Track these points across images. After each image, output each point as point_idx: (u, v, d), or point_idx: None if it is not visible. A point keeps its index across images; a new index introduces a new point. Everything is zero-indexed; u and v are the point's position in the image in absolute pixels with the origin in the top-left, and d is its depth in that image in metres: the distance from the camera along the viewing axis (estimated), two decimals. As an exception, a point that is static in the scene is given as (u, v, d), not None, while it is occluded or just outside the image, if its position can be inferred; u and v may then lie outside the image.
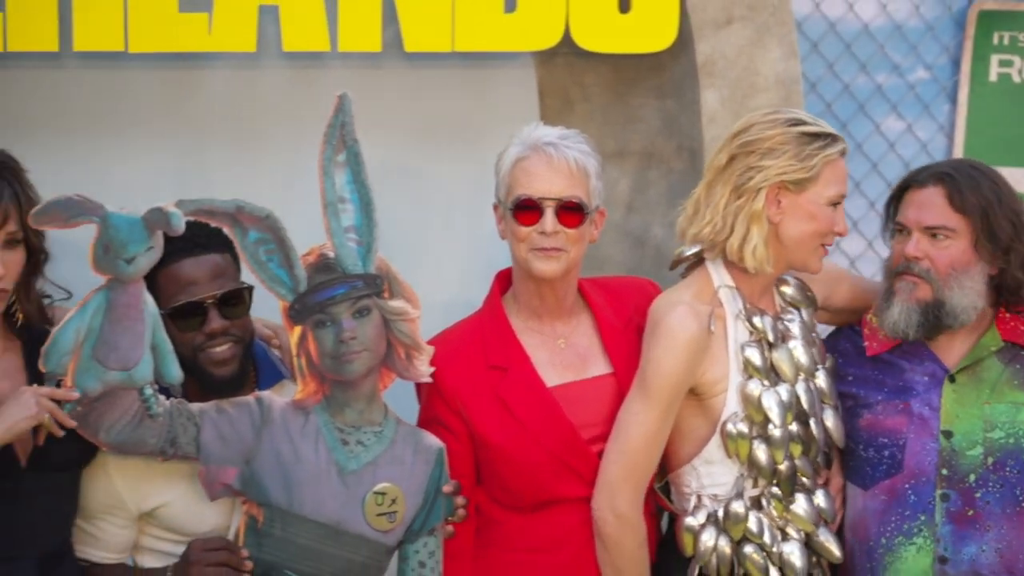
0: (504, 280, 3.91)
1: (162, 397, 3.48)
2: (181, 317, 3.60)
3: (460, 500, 3.72)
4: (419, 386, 3.83)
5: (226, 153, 4.77)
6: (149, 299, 3.42)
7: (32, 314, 3.62)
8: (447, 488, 3.67)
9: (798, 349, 3.83)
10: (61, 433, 3.40)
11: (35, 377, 3.52)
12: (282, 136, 4.74)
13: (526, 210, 3.71)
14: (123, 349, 3.38)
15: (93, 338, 3.38)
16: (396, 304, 3.57)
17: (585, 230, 3.76)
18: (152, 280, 3.49)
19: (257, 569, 3.54)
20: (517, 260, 3.78)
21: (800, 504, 3.83)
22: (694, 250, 3.86)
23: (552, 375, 3.82)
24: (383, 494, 3.58)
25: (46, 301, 3.71)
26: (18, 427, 3.41)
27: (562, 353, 3.85)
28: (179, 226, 3.29)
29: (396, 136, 4.72)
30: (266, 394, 3.62)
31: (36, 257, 3.58)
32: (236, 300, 3.65)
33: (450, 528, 3.72)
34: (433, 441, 3.68)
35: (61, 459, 3.56)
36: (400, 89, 4.83)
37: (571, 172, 3.72)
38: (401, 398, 3.80)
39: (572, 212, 3.71)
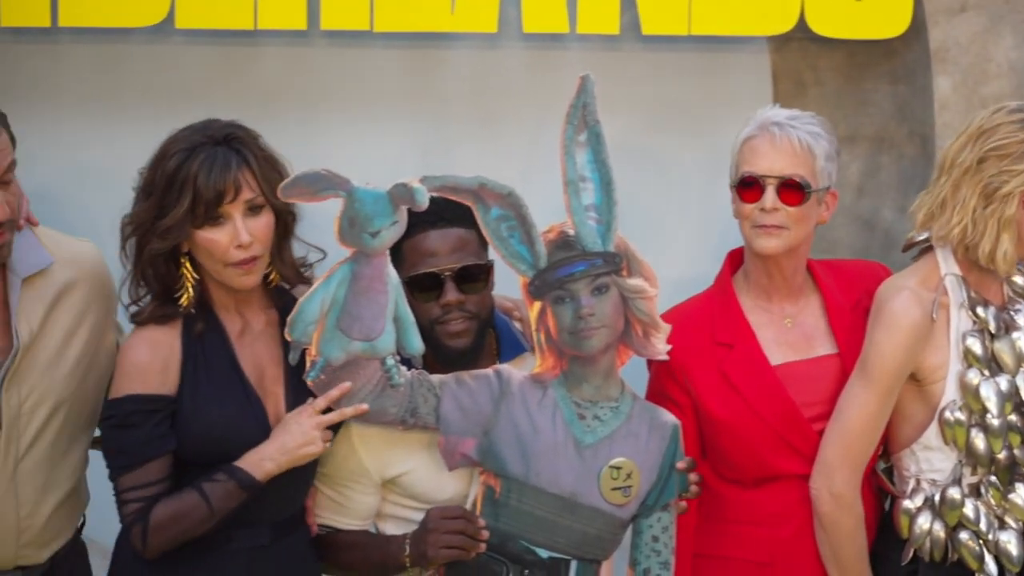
0: (736, 259, 3.95)
1: (403, 368, 3.54)
2: (419, 287, 3.66)
3: (693, 477, 3.74)
4: (649, 361, 3.86)
5: (468, 131, 4.85)
6: (392, 272, 3.49)
7: (289, 276, 3.68)
8: (681, 464, 3.69)
9: (1022, 340, 3.79)
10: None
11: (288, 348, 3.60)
12: (522, 116, 4.81)
13: (748, 187, 3.75)
14: (366, 320, 3.46)
15: (337, 309, 3.46)
16: (634, 282, 3.60)
17: (809, 209, 3.77)
18: (397, 250, 3.55)
19: (493, 538, 3.59)
20: (744, 238, 3.82)
21: (1019, 494, 3.79)
22: (924, 235, 3.83)
23: (777, 354, 3.84)
24: (619, 468, 3.61)
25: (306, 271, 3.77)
26: (300, 458, 3.54)
27: (788, 332, 3.87)
28: (423, 202, 3.35)
29: (631, 117, 4.76)
30: (505, 367, 3.67)
31: (284, 219, 3.63)
32: (474, 275, 3.69)
33: (683, 504, 3.75)
34: (669, 418, 3.71)
35: None
36: (636, 72, 4.87)
37: (794, 151, 3.73)
38: (634, 375, 3.83)
39: (793, 190, 3.73)
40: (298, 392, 3.60)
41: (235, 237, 3.52)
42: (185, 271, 3.60)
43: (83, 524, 3.87)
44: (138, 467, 3.54)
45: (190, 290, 3.61)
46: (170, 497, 3.54)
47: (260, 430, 3.58)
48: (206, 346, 3.61)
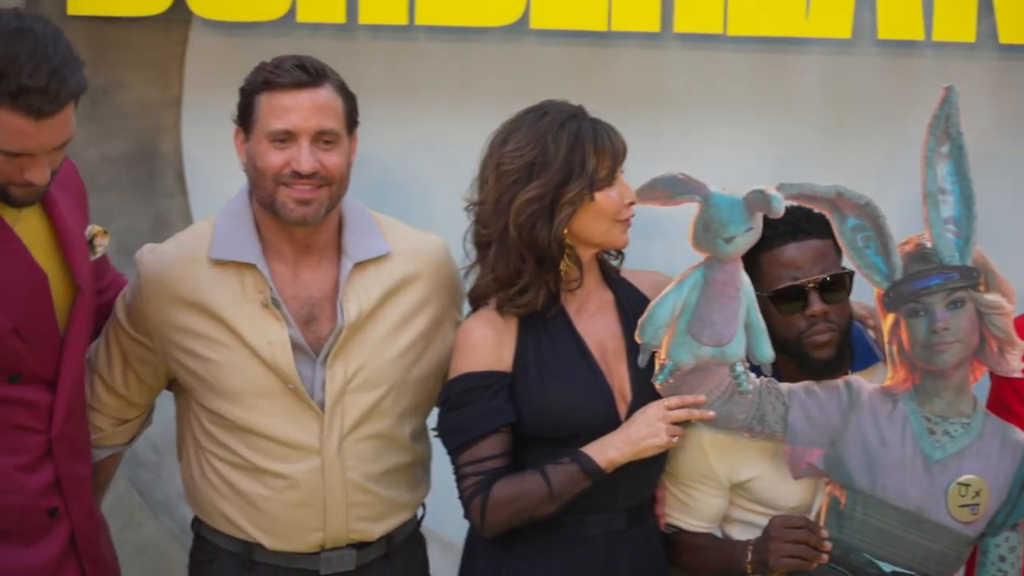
0: None
1: (752, 375, 3.54)
2: (783, 300, 3.64)
3: None
4: (994, 376, 3.77)
5: (821, 138, 4.80)
6: (745, 279, 3.48)
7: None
8: None
9: None
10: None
11: (629, 327, 3.61)
12: (876, 123, 4.74)
13: None
14: (717, 325, 3.46)
15: (689, 313, 3.47)
16: (991, 297, 3.53)
17: None
18: (754, 262, 3.55)
19: (835, 550, 3.55)
20: None
21: None
22: None
23: None
24: (967, 485, 3.54)
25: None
26: (644, 450, 3.54)
27: None
28: (779, 209, 3.34)
29: (988, 127, 4.66)
30: (855, 378, 3.63)
31: None
32: (837, 285, 3.65)
33: None
34: (1021, 437, 3.62)
35: None
36: (991, 80, 4.75)
37: None
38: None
39: None
40: (638, 369, 3.62)
41: (626, 196, 3.56)
42: (569, 250, 3.60)
43: (423, 515, 3.94)
44: (474, 443, 3.58)
45: (571, 265, 3.61)
46: (512, 476, 3.57)
47: (607, 403, 3.60)
48: (547, 322, 3.64)
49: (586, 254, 3.63)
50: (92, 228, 3.66)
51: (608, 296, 3.71)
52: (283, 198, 3.56)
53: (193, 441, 3.78)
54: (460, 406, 3.59)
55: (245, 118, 3.64)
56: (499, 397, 3.58)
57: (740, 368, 3.50)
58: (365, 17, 4.66)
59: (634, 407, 3.60)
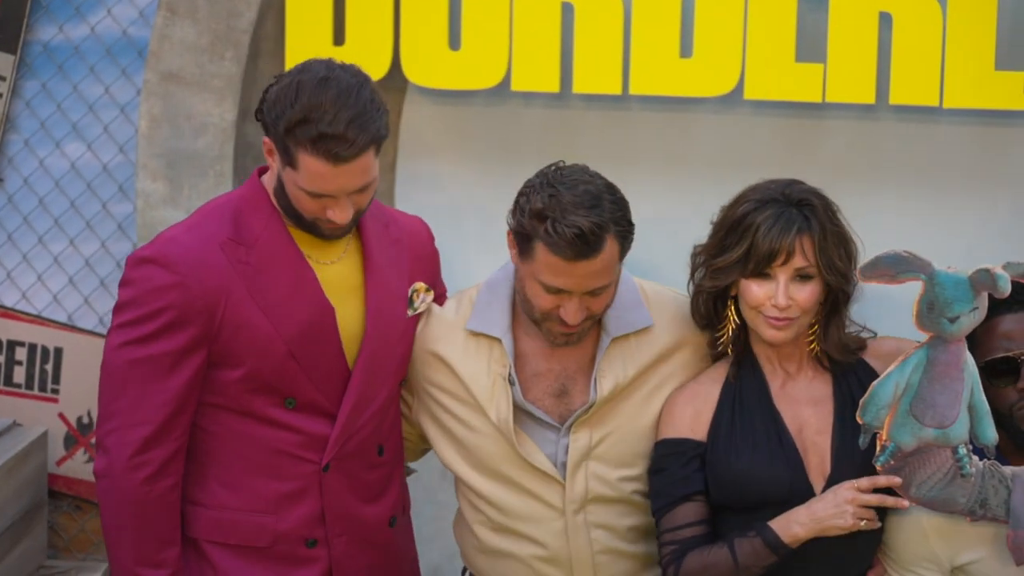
0: None
1: (975, 457, 3.48)
2: (995, 372, 3.60)
3: None
4: None
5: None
6: (970, 359, 3.44)
7: (831, 352, 3.69)
8: None
9: None
10: (877, 525, 3.55)
11: (843, 403, 3.63)
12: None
13: None
14: (940, 407, 3.42)
15: (911, 394, 3.43)
16: None
17: None
18: (971, 333, 3.50)
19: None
20: None
21: None
22: None
23: None
24: None
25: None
26: (828, 529, 3.53)
27: None
28: (1006, 289, 3.30)
29: None
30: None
31: (835, 296, 3.65)
32: None
33: None
34: None
35: None
36: None
37: None
38: None
39: None
40: (844, 447, 3.60)
41: (773, 296, 3.57)
42: (730, 312, 3.69)
43: None
44: (670, 509, 3.65)
45: (729, 332, 3.71)
46: (703, 548, 3.61)
47: (796, 478, 3.61)
48: (744, 392, 3.69)
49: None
50: (417, 285, 3.86)
51: (821, 371, 3.72)
52: (549, 327, 3.68)
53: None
54: (659, 471, 3.69)
55: (520, 241, 3.66)
56: (691, 465, 3.65)
57: (963, 451, 3.45)
58: (579, 86, 4.69)
59: (832, 482, 3.60)
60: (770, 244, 3.55)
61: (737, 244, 3.59)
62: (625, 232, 3.62)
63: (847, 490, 3.53)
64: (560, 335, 3.68)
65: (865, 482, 3.52)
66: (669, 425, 3.71)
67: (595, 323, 3.73)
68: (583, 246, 3.51)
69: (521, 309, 3.75)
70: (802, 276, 3.58)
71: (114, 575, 3.67)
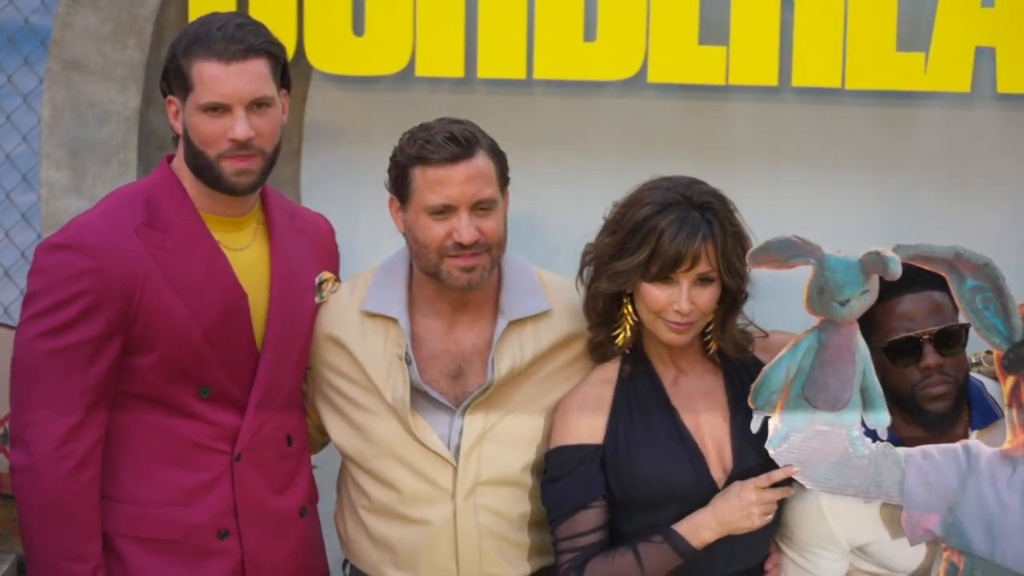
0: None
1: (868, 439, 3.50)
2: (898, 353, 3.61)
3: None
4: None
5: (936, 195, 4.76)
6: (861, 342, 3.45)
7: (728, 349, 3.71)
8: None
9: None
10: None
11: (735, 397, 3.66)
12: (995, 180, 4.69)
13: None
14: (832, 390, 3.43)
15: (803, 378, 3.44)
16: None
17: None
18: (868, 314, 3.50)
19: (955, 615, 3.52)
20: None
21: None
22: None
23: None
24: None
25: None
26: (736, 529, 3.57)
27: None
28: (896, 271, 3.30)
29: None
30: (973, 442, 3.58)
31: (733, 295, 3.67)
32: (953, 338, 3.62)
33: None
34: None
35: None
36: None
37: None
38: None
39: None
40: (742, 438, 3.63)
41: (676, 302, 3.57)
42: (626, 312, 3.70)
43: None
44: (569, 516, 3.65)
45: (627, 331, 3.71)
46: (606, 555, 3.63)
47: (699, 474, 3.63)
48: (638, 390, 3.70)
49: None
50: (325, 274, 3.90)
51: (712, 366, 3.75)
52: (447, 268, 3.67)
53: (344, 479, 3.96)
54: (556, 480, 3.68)
55: (399, 188, 3.71)
56: (591, 470, 3.66)
57: (856, 433, 3.46)
58: (484, 71, 4.68)
59: (734, 476, 3.62)
60: (676, 250, 3.55)
61: (639, 248, 3.58)
62: (498, 154, 3.70)
63: (750, 491, 3.56)
64: (460, 272, 3.67)
65: (763, 479, 3.55)
66: (564, 432, 3.70)
67: (494, 265, 3.74)
68: (456, 147, 3.60)
69: (419, 269, 3.76)
70: (703, 279, 3.60)
71: (36, 570, 3.65)
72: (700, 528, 3.57)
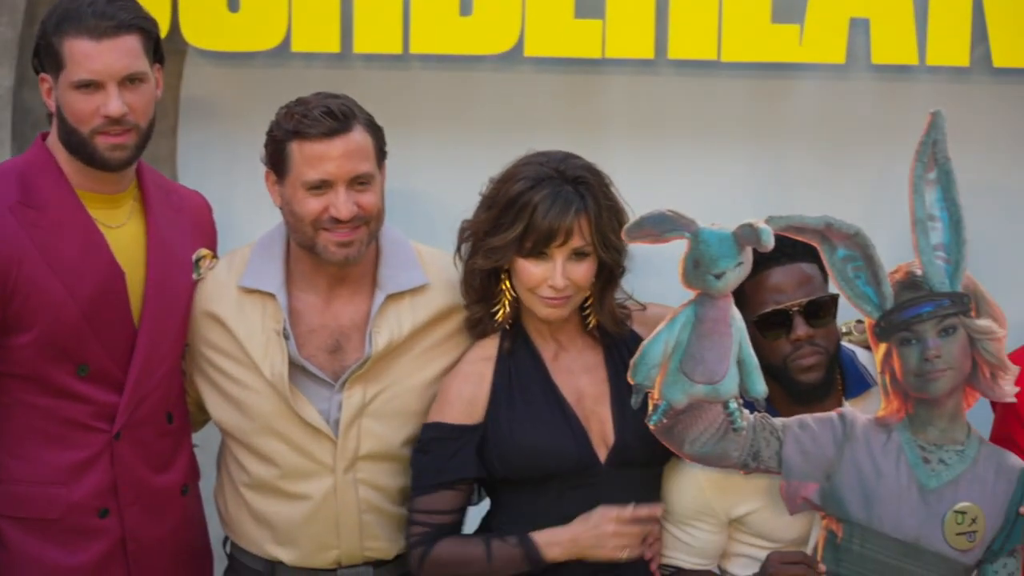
0: None
1: (746, 411, 3.52)
2: (768, 325, 3.64)
3: None
4: (995, 404, 3.80)
5: (811, 166, 4.78)
6: (737, 314, 3.46)
7: (607, 324, 3.75)
8: None
9: None
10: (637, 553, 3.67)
11: (616, 371, 3.69)
12: (868, 150, 4.72)
13: None
14: (710, 363, 3.43)
15: (681, 351, 3.43)
16: (983, 323, 3.52)
17: None
18: (738, 288, 3.50)
19: (833, 583, 3.57)
20: None
21: None
22: None
23: None
24: (964, 513, 3.54)
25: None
26: (588, 556, 3.63)
27: None
28: (769, 243, 3.31)
29: (982, 153, 4.61)
30: (848, 410, 3.63)
31: (610, 269, 3.70)
32: (822, 309, 3.66)
33: None
34: (1016, 462, 3.62)
35: (643, 457, 3.69)
36: (987, 105, 4.71)
37: None
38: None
39: None
40: (623, 414, 3.66)
41: (550, 277, 3.59)
42: (504, 288, 3.72)
43: None
44: (429, 492, 3.68)
45: (506, 307, 3.74)
46: (458, 539, 3.69)
47: (581, 450, 3.67)
48: (519, 366, 3.73)
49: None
50: (202, 251, 3.88)
51: (591, 341, 3.76)
52: (324, 242, 3.67)
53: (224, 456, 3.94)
54: (424, 452, 3.70)
55: (276, 163, 3.70)
56: (462, 453, 3.67)
57: (734, 405, 3.47)
58: (360, 46, 4.65)
59: (616, 450, 3.66)
60: (549, 225, 3.57)
61: (513, 224, 3.60)
62: (375, 128, 3.71)
63: (608, 522, 3.60)
64: (336, 247, 3.68)
65: (627, 513, 3.60)
66: (442, 409, 3.72)
67: (372, 239, 3.74)
68: (333, 121, 3.60)
69: (296, 243, 3.75)
70: (578, 254, 3.62)
71: None
72: (552, 543, 3.62)
